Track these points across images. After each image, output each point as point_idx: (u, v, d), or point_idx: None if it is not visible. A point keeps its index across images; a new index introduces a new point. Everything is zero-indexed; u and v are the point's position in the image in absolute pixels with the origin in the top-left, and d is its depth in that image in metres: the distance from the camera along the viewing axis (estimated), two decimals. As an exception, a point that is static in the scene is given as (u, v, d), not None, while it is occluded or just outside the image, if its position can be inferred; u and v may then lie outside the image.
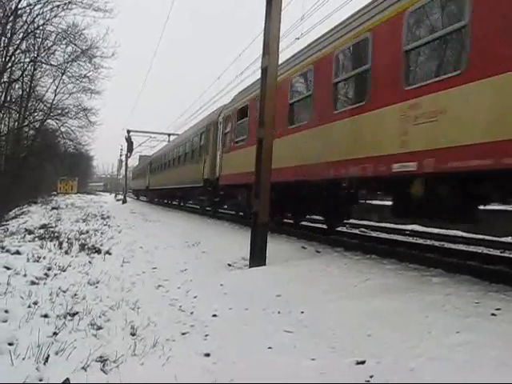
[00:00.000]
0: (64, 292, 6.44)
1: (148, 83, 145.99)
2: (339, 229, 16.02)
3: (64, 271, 7.86)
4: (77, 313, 5.47)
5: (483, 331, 4.52)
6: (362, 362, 4.22)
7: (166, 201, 44.39)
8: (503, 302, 5.49)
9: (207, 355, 4.63)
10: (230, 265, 9.74)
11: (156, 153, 46.97)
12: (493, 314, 5.02)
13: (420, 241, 14.58)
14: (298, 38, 18.08)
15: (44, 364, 3.95)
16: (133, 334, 5.06)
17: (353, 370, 4.12)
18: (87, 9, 26.34)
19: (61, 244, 10.76)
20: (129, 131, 51.74)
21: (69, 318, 5.29)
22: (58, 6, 26.01)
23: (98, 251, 10.54)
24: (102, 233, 15.01)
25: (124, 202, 51.97)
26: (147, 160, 51.07)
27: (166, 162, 36.31)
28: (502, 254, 11.32)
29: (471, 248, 12.48)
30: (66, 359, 4.10)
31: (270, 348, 4.79)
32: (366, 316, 5.44)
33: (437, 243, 13.72)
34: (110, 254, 10.55)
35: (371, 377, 3.94)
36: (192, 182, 24.65)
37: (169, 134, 52.19)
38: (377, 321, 5.26)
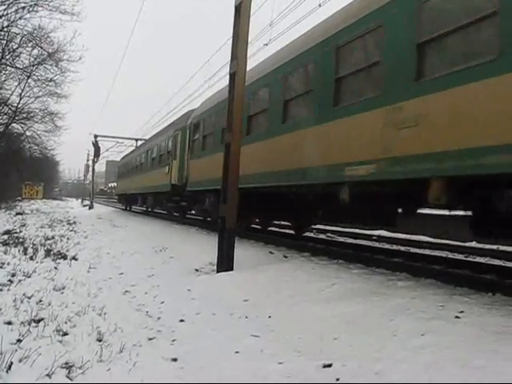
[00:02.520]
0: (29, 298, 6.33)
1: (116, 88, 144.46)
2: (305, 234, 16.07)
3: (29, 277, 7.74)
4: (42, 319, 5.38)
5: (447, 333, 4.61)
6: (329, 365, 4.25)
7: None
8: (466, 304, 5.60)
9: (174, 360, 4.61)
10: (197, 270, 9.72)
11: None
12: (456, 317, 5.11)
13: (386, 246, 14.77)
14: (267, 44, 18.16)
15: (6, 372, 3.86)
16: (99, 340, 4.99)
17: (320, 372, 4.16)
18: (54, 11, 25.76)
19: (26, 250, 10.60)
20: (96, 136, 51.17)
21: (33, 324, 5.20)
22: (24, 8, 25.48)
23: (64, 257, 10.39)
24: (68, 238, 14.82)
25: (91, 207, 51.40)
26: (179, 124, 23.56)
27: None
28: (467, 259, 11.54)
29: (436, 252, 12.68)
30: (30, 366, 4.02)
31: (237, 352, 4.80)
32: (333, 320, 5.50)
33: (403, 248, 13.91)
34: (76, 259, 10.41)
35: (337, 379, 3.98)
36: None
37: (136, 139, 51.72)
38: (343, 324, 5.32)
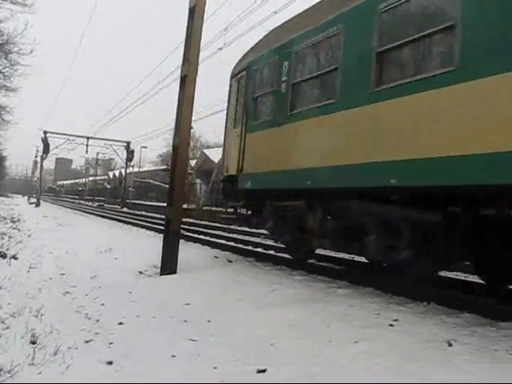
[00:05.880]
0: (-40, 298, 6.16)
1: (68, 84, 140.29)
2: (253, 239, 16.16)
3: (-37, 276, 7.52)
4: (-27, 320, 5.25)
5: (381, 341, 4.75)
6: (263, 371, 4.30)
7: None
8: (401, 313, 5.78)
9: (110, 363, 4.56)
10: (140, 272, 9.65)
11: None
12: (390, 325, 5.27)
13: (332, 253, 14.92)
14: (221, 48, 18.20)
15: None
16: (33, 342, 4.89)
17: (253, 378, 4.20)
18: (4, 1, 25.06)
19: (-38, 248, 10.29)
20: (45, 132, 49.99)
21: (-37, 326, 5.07)
22: (-30, -4, 24.73)
23: (4, 256, 10.11)
24: (10, 236, 14.42)
25: (37, 205, 50.18)
26: None
27: None
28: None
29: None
30: (-46, 370, 3.92)
31: (173, 356, 4.79)
32: (272, 325, 5.57)
33: (347, 256, 14.08)
34: (16, 258, 10.15)
35: (271, 384, 4.03)
36: None
37: (87, 138, 50.93)
38: (282, 330, 5.40)
